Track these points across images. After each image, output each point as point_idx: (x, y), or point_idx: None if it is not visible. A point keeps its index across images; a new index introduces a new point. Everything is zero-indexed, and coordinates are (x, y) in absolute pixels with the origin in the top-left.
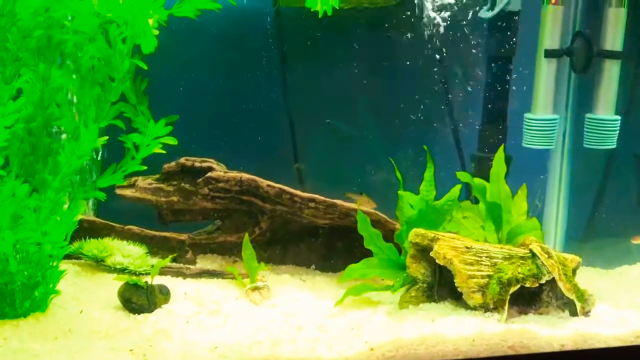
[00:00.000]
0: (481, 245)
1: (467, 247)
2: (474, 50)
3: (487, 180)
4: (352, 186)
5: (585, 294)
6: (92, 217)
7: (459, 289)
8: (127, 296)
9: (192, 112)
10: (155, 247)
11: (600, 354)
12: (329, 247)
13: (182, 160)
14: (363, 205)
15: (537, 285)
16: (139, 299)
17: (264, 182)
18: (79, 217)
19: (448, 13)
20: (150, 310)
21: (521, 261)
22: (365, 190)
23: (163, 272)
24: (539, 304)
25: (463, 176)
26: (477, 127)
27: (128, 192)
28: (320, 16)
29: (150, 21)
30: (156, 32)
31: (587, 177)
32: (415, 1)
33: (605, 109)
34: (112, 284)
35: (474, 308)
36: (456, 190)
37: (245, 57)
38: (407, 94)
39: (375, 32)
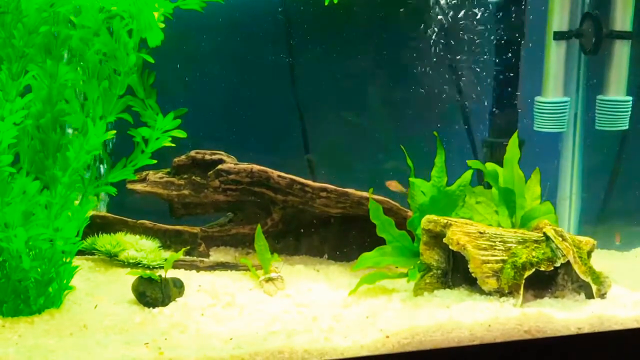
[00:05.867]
0: (494, 230)
1: (481, 232)
2: (482, 35)
3: (499, 164)
4: (363, 175)
5: (601, 276)
6: (104, 213)
7: (473, 275)
8: (141, 290)
9: (200, 105)
10: (168, 240)
11: (617, 336)
12: (342, 237)
13: (193, 153)
14: (395, 188)
15: (552, 268)
16: (153, 292)
17: (274, 173)
18: (91, 212)
19: None
20: (164, 304)
21: (535, 245)
22: (376, 179)
23: (176, 265)
24: (555, 287)
25: (474, 164)
26: (488, 113)
27: (139, 187)
28: (326, 4)
29: (156, 14)
30: (162, 25)
31: (599, 159)
32: None
33: (617, 90)
34: (126, 279)
35: (489, 293)
36: (468, 175)
37: (253, 48)
38: (416, 82)
39: (384, 20)
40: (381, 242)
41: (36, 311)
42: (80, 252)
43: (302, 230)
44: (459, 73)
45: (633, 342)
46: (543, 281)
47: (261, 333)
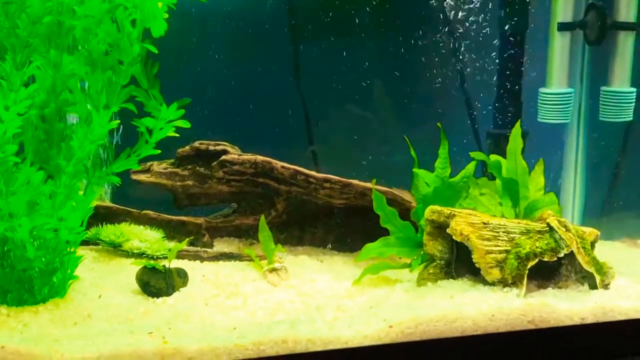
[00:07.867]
0: (498, 220)
1: (484, 223)
2: (486, 26)
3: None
4: (366, 167)
5: (605, 267)
6: (108, 203)
7: (476, 265)
8: (146, 280)
9: (204, 97)
10: (172, 231)
11: (620, 326)
12: (346, 227)
13: (196, 144)
14: None
15: (556, 259)
16: (157, 282)
17: (278, 164)
18: (95, 203)
19: None
20: (168, 294)
21: (539, 235)
22: (380, 170)
23: (180, 255)
24: (558, 277)
25: (478, 155)
26: (492, 104)
27: (143, 177)
28: None
29: (159, 4)
30: (166, 16)
31: (603, 150)
32: None
33: (621, 82)
34: (130, 269)
35: (493, 283)
36: (472, 166)
37: (257, 39)
38: (420, 73)
39: (388, 11)
40: (385, 232)
41: (40, 301)
42: (85, 242)
43: (305, 221)
44: (463, 64)
45: (636, 333)
46: (546, 272)
47: (265, 323)
